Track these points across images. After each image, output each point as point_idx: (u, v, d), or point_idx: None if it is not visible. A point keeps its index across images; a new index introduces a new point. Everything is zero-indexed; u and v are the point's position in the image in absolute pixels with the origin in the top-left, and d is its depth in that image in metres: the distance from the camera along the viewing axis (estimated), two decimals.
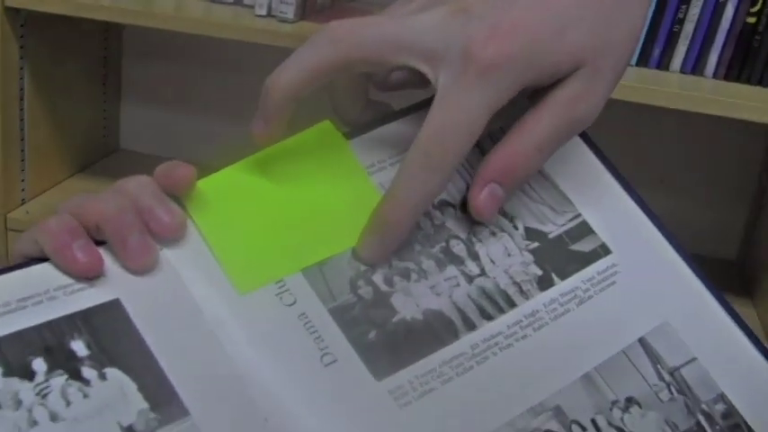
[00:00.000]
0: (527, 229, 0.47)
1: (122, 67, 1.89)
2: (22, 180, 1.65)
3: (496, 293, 0.45)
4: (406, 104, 0.52)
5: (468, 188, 0.46)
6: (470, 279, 0.45)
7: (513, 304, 0.44)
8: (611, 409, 0.43)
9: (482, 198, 0.45)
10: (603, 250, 0.47)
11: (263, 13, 1.47)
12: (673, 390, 0.44)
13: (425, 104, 0.48)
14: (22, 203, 1.66)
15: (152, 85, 1.89)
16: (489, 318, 0.44)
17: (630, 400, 0.43)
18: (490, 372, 0.42)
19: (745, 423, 0.43)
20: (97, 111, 1.86)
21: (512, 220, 0.47)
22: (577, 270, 0.46)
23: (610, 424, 0.42)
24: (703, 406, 0.43)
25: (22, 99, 1.60)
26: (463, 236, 0.46)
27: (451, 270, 0.45)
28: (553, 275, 0.46)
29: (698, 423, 0.43)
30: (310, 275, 0.44)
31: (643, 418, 0.43)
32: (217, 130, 1.88)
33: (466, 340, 0.43)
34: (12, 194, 1.64)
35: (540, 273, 0.46)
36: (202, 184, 0.47)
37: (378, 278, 0.44)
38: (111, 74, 1.86)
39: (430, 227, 0.46)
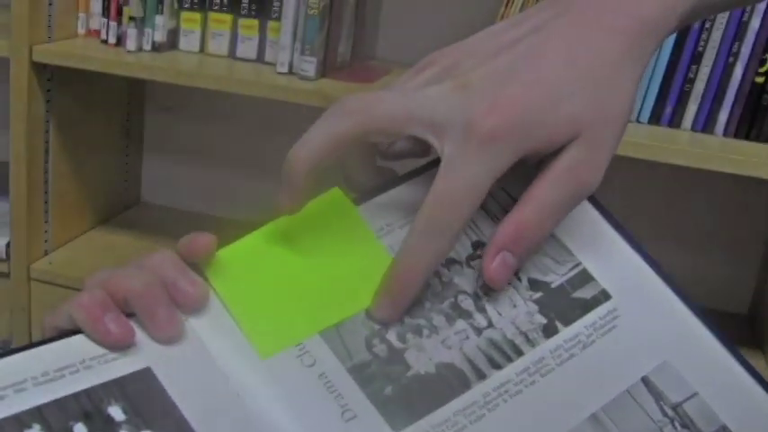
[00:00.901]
0: (530, 281, 0.50)
1: (145, 121, 1.93)
2: (46, 231, 1.68)
3: (504, 343, 0.48)
4: (408, 170, 0.55)
5: (472, 245, 0.50)
6: (479, 332, 0.48)
7: (520, 353, 0.48)
8: None
9: (494, 266, 0.48)
10: (604, 296, 0.50)
11: (285, 70, 1.51)
12: (677, 424, 0.46)
13: (427, 168, 0.52)
14: (45, 254, 1.69)
15: (174, 140, 1.93)
16: (498, 367, 0.47)
17: None
18: (501, 418, 0.45)
19: None
20: (119, 164, 1.89)
21: (515, 273, 0.50)
22: (580, 316, 0.49)
23: None
24: None
25: (47, 152, 1.64)
26: (470, 291, 0.49)
27: (461, 324, 0.48)
28: (557, 323, 0.49)
29: None
30: (328, 337, 0.47)
31: None
32: (237, 184, 1.91)
33: (477, 389, 0.46)
34: (35, 245, 1.67)
35: (544, 321, 0.49)
36: (222, 253, 0.52)
37: (391, 336, 0.47)
38: (133, 128, 1.90)
39: (438, 284, 0.49)
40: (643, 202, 1.70)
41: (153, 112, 1.92)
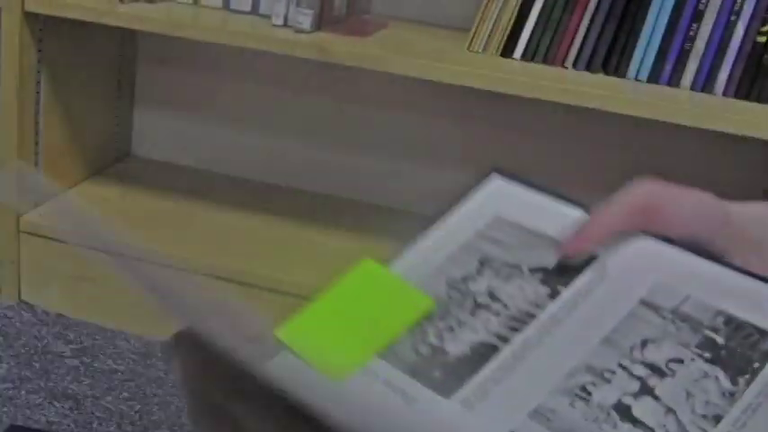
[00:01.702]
0: (530, 269, 0.61)
1: (137, 73, 1.91)
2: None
3: (519, 314, 0.58)
4: None
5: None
6: (497, 313, 0.59)
7: (533, 316, 0.58)
8: (631, 352, 0.55)
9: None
10: (591, 258, 0.60)
11: (280, 23, 1.49)
12: (677, 321, 0.56)
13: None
14: (35, 207, 1.67)
15: (165, 92, 1.91)
16: (518, 330, 0.57)
17: (645, 342, 0.55)
18: (528, 365, 0.56)
19: (749, 323, 0.54)
20: (110, 116, 1.87)
21: (517, 266, 0.61)
22: (575, 277, 0.59)
23: (633, 362, 0.55)
24: (706, 323, 0.55)
25: (38, 102, 1.62)
26: (484, 290, 0.60)
27: (482, 313, 0.59)
28: (558, 287, 0.59)
29: (705, 336, 0.55)
30: (382, 354, 0.57)
31: (658, 348, 0.55)
32: (228, 138, 1.90)
33: (506, 351, 0.56)
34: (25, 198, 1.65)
35: (548, 290, 0.59)
36: (286, 328, 0.60)
37: (430, 338, 0.58)
38: (124, 80, 1.88)
39: (458, 294, 0.61)
40: (639, 160, 1.69)
41: (145, 63, 1.90)
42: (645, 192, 0.64)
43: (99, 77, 1.80)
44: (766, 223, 0.68)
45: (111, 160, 1.90)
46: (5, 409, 1.37)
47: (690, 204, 0.65)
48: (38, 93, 1.61)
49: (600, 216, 0.63)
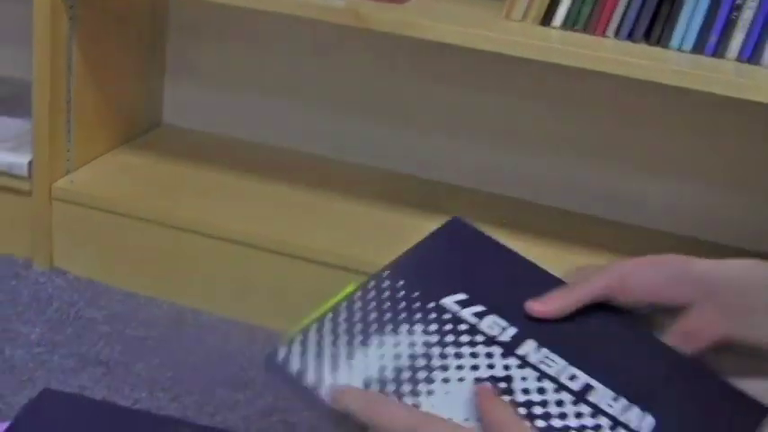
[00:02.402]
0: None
1: (168, 41, 1.90)
2: (68, 151, 1.66)
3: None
4: None
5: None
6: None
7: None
8: None
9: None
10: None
11: None
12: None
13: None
14: (67, 174, 1.67)
15: (197, 61, 1.90)
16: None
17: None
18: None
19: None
20: (141, 85, 1.86)
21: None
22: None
23: None
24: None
25: (70, 70, 1.61)
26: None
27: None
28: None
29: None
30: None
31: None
32: (260, 107, 1.88)
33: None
34: (57, 165, 1.65)
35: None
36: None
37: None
38: (156, 48, 1.87)
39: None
40: (681, 134, 1.67)
41: (177, 32, 1.89)
42: (616, 273, 0.75)
43: (131, 46, 1.79)
44: (744, 285, 0.74)
45: (143, 129, 1.89)
46: (39, 374, 1.37)
47: (654, 275, 0.75)
48: (69, 59, 1.60)
49: (570, 290, 0.75)
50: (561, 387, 0.69)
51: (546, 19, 1.44)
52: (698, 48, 1.40)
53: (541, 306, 0.74)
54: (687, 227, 1.70)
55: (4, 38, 1.95)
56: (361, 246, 1.53)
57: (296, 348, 0.70)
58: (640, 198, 1.72)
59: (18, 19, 1.69)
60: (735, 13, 1.39)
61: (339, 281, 1.53)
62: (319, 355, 0.69)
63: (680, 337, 0.75)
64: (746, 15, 1.38)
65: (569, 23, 1.44)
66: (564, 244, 1.61)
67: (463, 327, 0.72)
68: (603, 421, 0.67)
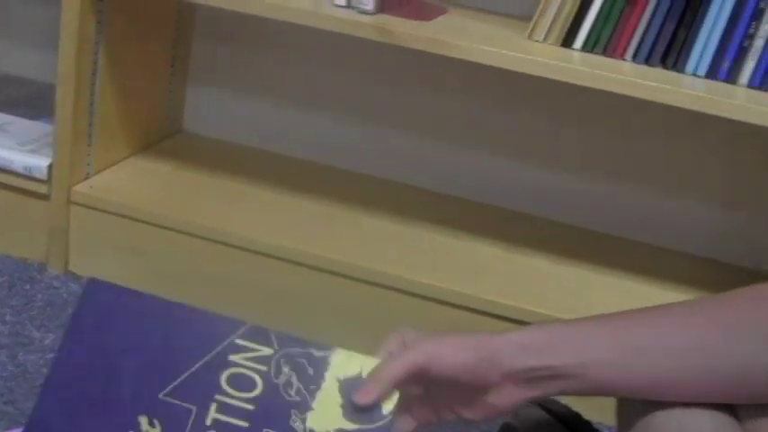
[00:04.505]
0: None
1: (192, 49, 1.91)
2: (88, 155, 1.67)
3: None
4: None
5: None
6: None
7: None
8: None
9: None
10: None
11: (343, 3, 1.49)
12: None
13: None
14: (86, 178, 1.68)
15: (220, 69, 1.92)
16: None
17: None
18: None
19: None
20: (164, 91, 1.88)
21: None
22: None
23: None
24: None
25: (94, 74, 1.63)
26: None
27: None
28: None
29: None
30: None
31: None
32: (283, 118, 1.90)
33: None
34: (77, 168, 1.66)
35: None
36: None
37: None
38: (180, 55, 1.88)
39: None
40: (695, 157, 1.69)
41: (201, 39, 1.91)
42: (418, 354, 0.82)
43: (156, 52, 1.81)
44: (531, 351, 0.82)
45: (164, 135, 1.90)
46: None
47: (452, 361, 0.81)
48: (95, 63, 1.62)
49: (384, 373, 0.83)
50: None
51: (567, 41, 1.47)
52: (711, 73, 1.43)
53: (365, 399, 0.84)
54: (696, 245, 1.72)
55: (23, 40, 1.97)
56: (377, 257, 1.56)
57: None
58: (660, 217, 1.75)
59: (38, 22, 1.70)
60: (747, 41, 1.41)
61: (358, 292, 1.56)
62: None
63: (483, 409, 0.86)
64: (758, 44, 1.41)
65: (589, 46, 1.46)
66: (580, 262, 1.64)
67: None
68: None
